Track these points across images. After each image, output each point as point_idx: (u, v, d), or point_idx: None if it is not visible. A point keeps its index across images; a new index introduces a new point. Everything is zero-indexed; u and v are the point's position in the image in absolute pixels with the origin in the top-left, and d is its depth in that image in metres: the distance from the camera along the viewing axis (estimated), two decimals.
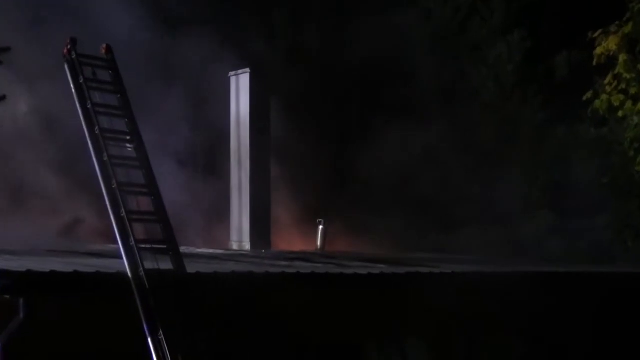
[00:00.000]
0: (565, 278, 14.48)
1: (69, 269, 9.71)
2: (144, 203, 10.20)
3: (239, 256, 14.12)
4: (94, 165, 10.12)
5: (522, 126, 22.23)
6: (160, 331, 9.05)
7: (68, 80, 10.49)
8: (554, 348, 13.59)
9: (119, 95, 10.67)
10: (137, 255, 9.49)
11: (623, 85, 14.26)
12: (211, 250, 14.79)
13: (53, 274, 9.37)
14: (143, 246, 9.63)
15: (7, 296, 9.05)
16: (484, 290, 13.04)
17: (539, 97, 21.98)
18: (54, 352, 9.36)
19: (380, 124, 21.38)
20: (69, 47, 10.55)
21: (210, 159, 19.71)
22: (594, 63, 14.86)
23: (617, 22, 14.55)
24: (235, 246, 16.02)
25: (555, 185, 20.13)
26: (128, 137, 10.50)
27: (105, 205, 9.89)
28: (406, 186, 20.82)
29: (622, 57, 14.32)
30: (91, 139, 10.18)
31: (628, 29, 14.30)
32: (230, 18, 22.08)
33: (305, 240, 17.79)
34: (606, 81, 14.52)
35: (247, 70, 16.30)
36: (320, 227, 17.03)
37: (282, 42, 23.99)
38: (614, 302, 14.18)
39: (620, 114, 14.32)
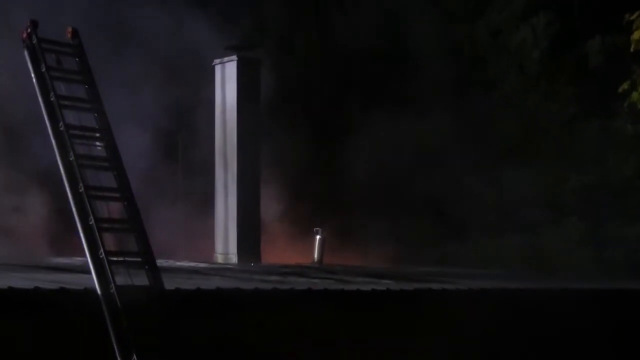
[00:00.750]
0: (602, 296, 14.52)
1: (29, 285, 9.69)
2: (116, 209, 10.22)
3: (224, 270, 14.14)
4: (58, 166, 10.15)
5: (548, 122, 22.23)
6: (134, 356, 9.06)
7: (28, 69, 10.52)
8: None
9: (86, 86, 10.69)
10: (108, 270, 9.49)
11: None
12: (193, 264, 14.82)
13: (11, 290, 9.37)
14: (114, 259, 9.63)
15: None
16: (506, 310, 13.12)
17: (568, 89, 22.02)
18: None
19: (382, 118, 21.38)
20: (29, 30, 10.55)
21: (192, 157, 19.71)
22: (631, 49, 14.90)
23: None
24: (220, 258, 16.07)
25: (586, 188, 20.16)
26: (97, 134, 10.51)
27: (71, 212, 9.91)
28: (413, 188, 20.88)
29: None
30: (55, 136, 10.18)
31: None
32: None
33: (300, 252, 17.81)
34: None
35: (234, 57, 16.35)
36: (318, 236, 17.06)
37: (275, 25, 24.08)
38: None
39: None
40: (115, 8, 18.45)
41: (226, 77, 16.36)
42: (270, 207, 17.76)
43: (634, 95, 14.71)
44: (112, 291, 9.39)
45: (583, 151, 21.11)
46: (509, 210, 20.90)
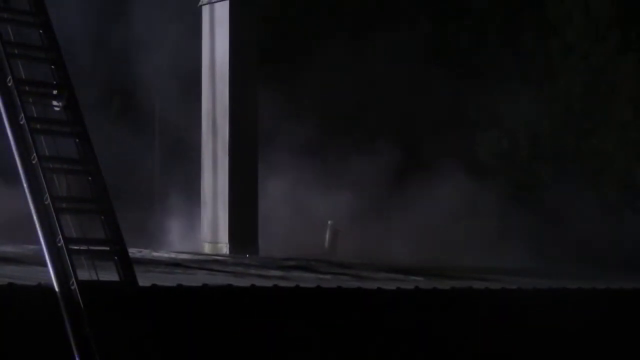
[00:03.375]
0: None
1: None
2: (78, 186, 10.29)
3: (213, 262, 14.23)
4: (4, 131, 10.22)
5: (620, 80, 22.34)
6: None
7: None
8: None
9: (41, 31, 10.74)
10: (68, 261, 9.59)
11: None
12: (174, 254, 14.91)
13: None
14: (76, 247, 9.73)
15: None
16: (566, 313, 13.24)
17: None
18: None
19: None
20: None
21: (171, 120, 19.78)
22: None
23: None
24: (208, 248, 16.15)
25: None
26: (55, 92, 10.58)
27: (22, 189, 9.98)
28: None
29: None
30: (2, 94, 10.25)
31: None
32: None
33: (308, 242, 17.86)
34: None
35: None
36: (330, 222, 17.17)
37: None
38: None
39: None
40: None
41: (216, 20, 16.39)
42: (270, 188, 17.79)
43: None
44: (72, 287, 9.47)
45: None
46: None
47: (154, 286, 10.39)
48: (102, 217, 10.22)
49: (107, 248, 10.07)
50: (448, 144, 22.45)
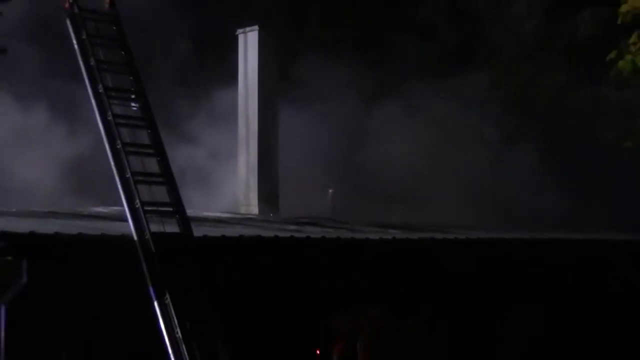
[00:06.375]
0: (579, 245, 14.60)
1: (72, 230, 9.83)
2: (150, 164, 10.30)
3: (247, 220, 14.19)
4: (97, 125, 10.22)
5: (542, 88, 22.00)
6: (167, 295, 9.16)
7: (70, 36, 10.56)
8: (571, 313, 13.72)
9: (123, 52, 10.72)
10: (143, 218, 9.59)
11: None
12: (218, 214, 14.88)
13: (56, 235, 9.48)
14: (149, 209, 9.74)
15: (10, 258, 9.19)
16: (499, 257, 13.18)
17: (560, 58, 21.79)
18: (58, 316, 9.50)
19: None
20: (71, 1, 10.58)
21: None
22: (619, 21, 14.78)
23: None
24: (243, 209, 16.09)
25: (578, 148, 19.95)
26: (133, 96, 10.57)
27: (110, 166, 10.00)
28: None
29: None
30: (95, 98, 10.24)
31: None
32: None
33: (315, 205, 17.75)
34: (631, 40, 14.45)
35: (256, 27, 16.27)
36: (330, 190, 17.10)
37: None
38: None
39: None
40: None
41: (248, 45, 16.29)
42: (288, 164, 17.60)
43: (621, 63, 14.63)
44: (147, 237, 9.49)
45: (574, 115, 20.70)
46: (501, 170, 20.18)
47: (204, 236, 10.37)
48: (167, 187, 10.24)
49: (171, 209, 10.08)
50: None
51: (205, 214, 14.31)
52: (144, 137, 10.43)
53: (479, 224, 15.86)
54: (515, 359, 13.20)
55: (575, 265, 13.81)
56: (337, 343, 11.49)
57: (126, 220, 9.63)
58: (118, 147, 9.99)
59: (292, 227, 12.89)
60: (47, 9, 12.92)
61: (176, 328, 9.06)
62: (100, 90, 10.24)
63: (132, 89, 10.58)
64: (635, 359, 13.74)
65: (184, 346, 9.01)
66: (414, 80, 20.25)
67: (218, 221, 13.24)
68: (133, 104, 10.54)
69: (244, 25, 16.62)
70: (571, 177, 19.30)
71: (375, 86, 20.42)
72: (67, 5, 10.58)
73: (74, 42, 10.48)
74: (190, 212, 10.49)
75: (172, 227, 9.84)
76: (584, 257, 14.14)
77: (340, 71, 19.28)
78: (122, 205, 9.78)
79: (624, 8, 14.59)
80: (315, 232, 12.35)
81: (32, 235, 9.27)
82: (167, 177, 10.23)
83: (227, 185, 17.18)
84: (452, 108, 19.86)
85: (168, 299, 9.16)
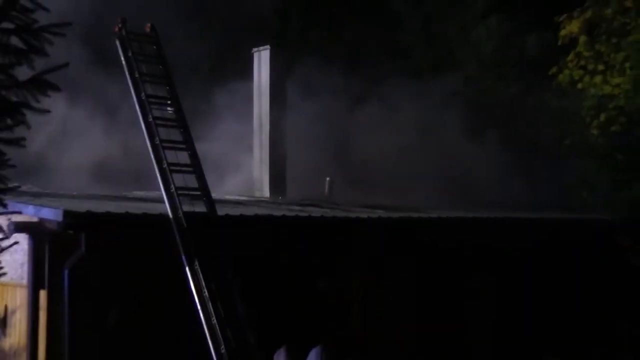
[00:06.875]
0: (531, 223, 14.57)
1: (121, 210, 9.90)
2: (183, 157, 10.38)
3: (260, 202, 14.24)
4: (140, 126, 10.29)
5: (498, 97, 22.04)
6: (196, 262, 9.25)
7: (119, 54, 10.62)
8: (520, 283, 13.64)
9: (161, 67, 10.79)
10: (177, 200, 9.69)
11: (582, 62, 14.27)
12: (237, 197, 14.92)
13: (108, 214, 9.57)
14: (181, 192, 9.83)
15: (72, 232, 9.27)
16: (465, 232, 13.14)
17: (512, 72, 21.85)
18: (109, 278, 9.59)
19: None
20: (120, 25, 10.64)
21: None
22: (559, 43, 14.83)
23: (578, 9, 14.50)
24: (257, 194, 16.12)
25: (528, 145, 19.93)
26: (169, 102, 10.63)
27: (150, 159, 10.07)
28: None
29: (582, 39, 14.29)
30: (139, 104, 10.31)
31: (588, 14, 14.26)
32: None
33: (315, 191, 17.72)
34: (568, 58, 14.49)
35: (268, 47, 16.28)
36: (328, 179, 17.10)
37: (296, 24, 24.02)
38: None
39: (579, 86, 14.34)
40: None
41: (261, 61, 16.28)
42: (293, 158, 17.57)
43: (560, 76, 14.67)
44: (180, 216, 9.59)
45: (524, 119, 20.67)
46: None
47: (226, 215, 10.41)
48: (196, 175, 10.31)
49: (199, 193, 10.15)
50: None
51: (227, 197, 14.34)
52: (177, 135, 10.51)
53: (448, 205, 15.88)
54: (480, 321, 13.14)
55: (527, 239, 13.76)
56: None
57: (163, 202, 9.71)
58: (157, 143, 10.08)
59: (296, 208, 12.92)
60: (102, 33, 12.91)
61: (204, 289, 9.14)
62: (142, 98, 10.32)
63: (168, 96, 10.65)
64: (583, 324, 13.61)
65: (210, 303, 9.10)
66: (394, 86, 20.22)
67: (237, 203, 13.29)
68: (169, 109, 10.62)
69: (258, 45, 16.62)
70: (523, 168, 19.30)
71: (362, 91, 20.38)
72: (116, 29, 10.65)
73: (122, 58, 10.55)
74: (214, 195, 10.56)
75: (200, 207, 9.92)
76: (535, 232, 14.12)
77: (334, 79, 19.27)
78: (160, 189, 9.85)
79: (562, 32, 14.64)
80: (315, 212, 12.37)
81: (88, 213, 9.36)
82: (196, 168, 10.32)
83: (245, 174, 17.16)
84: (426, 109, 19.84)
85: (197, 265, 9.25)
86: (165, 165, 9.91)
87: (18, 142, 6.54)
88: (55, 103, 9.32)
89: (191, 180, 10.20)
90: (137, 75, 10.37)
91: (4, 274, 7.34)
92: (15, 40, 6.42)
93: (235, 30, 21.32)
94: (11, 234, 8.87)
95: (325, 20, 23.91)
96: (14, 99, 6.43)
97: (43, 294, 9.49)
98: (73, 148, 16.89)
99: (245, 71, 17.17)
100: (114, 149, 17.25)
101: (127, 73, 10.41)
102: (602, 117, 13.91)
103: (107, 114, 17.41)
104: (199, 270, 9.19)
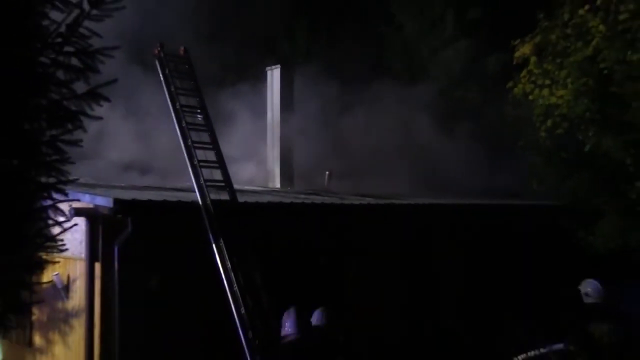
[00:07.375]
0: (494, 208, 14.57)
1: (160, 198, 9.90)
2: (210, 155, 10.37)
3: (272, 191, 14.24)
4: (176, 130, 10.27)
5: (466, 106, 22.05)
6: (221, 240, 9.26)
7: (158, 72, 10.60)
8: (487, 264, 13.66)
9: (192, 82, 10.78)
10: (205, 190, 9.68)
11: (533, 78, 14.29)
12: (254, 187, 14.91)
13: (149, 201, 9.59)
14: (209, 184, 9.83)
15: (120, 216, 9.28)
16: (434, 217, 13.09)
17: (477, 85, 21.88)
18: (151, 253, 9.61)
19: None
20: (159, 49, 10.63)
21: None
22: (514, 62, 14.86)
23: (530, 35, 14.53)
24: (270, 184, 16.12)
25: (491, 145, 19.90)
26: (198, 110, 10.62)
27: (184, 157, 10.06)
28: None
29: (532, 59, 14.34)
30: (174, 112, 10.31)
31: (537, 39, 14.31)
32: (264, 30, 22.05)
33: (317, 182, 17.68)
34: (522, 75, 14.52)
35: (279, 66, 16.25)
36: (327, 172, 17.08)
37: (302, 46, 24.01)
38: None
39: (531, 97, 14.36)
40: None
41: (273, 78, 16.27)
42: (299, 156, 17.51)
43: (515, 90, 14.71)
44: (208, 203, 9.58)
45: (487, 125, 20.62)
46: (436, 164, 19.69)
47: (245, 202, 10.39)
48: (221, 170, 10.31)
49: (223, 184, 10.15)
50: None
51: (246, 187, 14.34)
52: (205, 137, 10.50)
53: (425, 193, 15.89)
54: (450, 289, 13.08)
55: (488, 222, 13.78)
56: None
57: (194, 192, 9.70)
58: (189, 144, 10.07)
59: (302, 196, 12.91)
60: (144, 55, 12.89)
61: (227, 262, 9.16)
62: (177, 107, 10.32)
63: (198, 106, 10.64)
64: (534, 290, 13.60)
65: (232, 274, 9.12)
66: (379, 96, 20.20)
67: (254, 192, 13.29)
68: (199, 116, 10.60)
69: (270, 64, 16.60)
70: (486, 163, 19.31)
71: (353, 99, 20.37)
72: (156, 52, 10.65)
73: (160, 75, 10.55)
74: (236, 186, 10.55)
75: (224, 196, 9.91)
76: (494, 216, 14.16)
77: (331, 89, 19.22)
78: (191, 182, 9.86)
79: (517, 54, 14.69)
80: (317, 200, 12.37)
81: (134, 201, 9.38)
82: (221, 164, 10.32)
83: (260, 169, 17.15)
84: (406, 115, 19.82)
85: (222, 243, 9.26)
86: (196, 162, 9.92)
87: (76, 143, 6.57)
88: (111, 112, 9.30)
89: (217, 174, 10.20)
90: (172, 89, 10.36)
91: (66, 249, 7.38)
92: (74, 61, 6.49)
93: (248, 49, 21.25)
94: (72, 217, 8.98)
95: (324, 40, 23.97)
96: (74, 108, 6.47)
97: (97, 266, 9.51)
98: (122, 147, 16.86)
99: (259, 84, 17.15)
100: (155, 148, 17.22)
101: (164, 87, 10.40)
102: (549, 122, 13.98)
103: (154, 121, 17.34)
104: (223, 247, 9.21)
